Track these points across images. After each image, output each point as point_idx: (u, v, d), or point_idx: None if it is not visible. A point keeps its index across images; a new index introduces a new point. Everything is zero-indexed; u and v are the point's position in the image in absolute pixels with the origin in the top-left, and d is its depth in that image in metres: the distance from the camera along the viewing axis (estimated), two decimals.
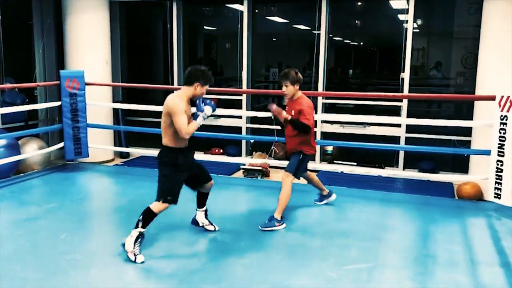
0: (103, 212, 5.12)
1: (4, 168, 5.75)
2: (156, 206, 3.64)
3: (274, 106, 4.35)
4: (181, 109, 3.51)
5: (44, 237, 4.08)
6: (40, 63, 7.56)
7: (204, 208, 4.19)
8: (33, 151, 6.41)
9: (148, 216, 3.64)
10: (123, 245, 3.64)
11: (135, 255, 3.56)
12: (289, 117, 4.30)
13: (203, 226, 4.21)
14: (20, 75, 7.25)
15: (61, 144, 6.53)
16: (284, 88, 4.38)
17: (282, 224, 4.40)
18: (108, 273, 3.50)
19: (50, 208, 4.91)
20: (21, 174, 6.18)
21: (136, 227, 3.61)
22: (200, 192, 4.09)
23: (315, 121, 6.84)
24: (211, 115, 3.81)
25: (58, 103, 6.48)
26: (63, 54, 7.12)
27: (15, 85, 6.66)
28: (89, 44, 6.93)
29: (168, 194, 3.62)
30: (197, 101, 3.68)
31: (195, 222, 4.22)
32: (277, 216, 4.39)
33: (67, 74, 6.38)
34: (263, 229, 4.33)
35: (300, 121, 4.27)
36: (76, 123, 6.38)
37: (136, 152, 7.51)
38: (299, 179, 4.65)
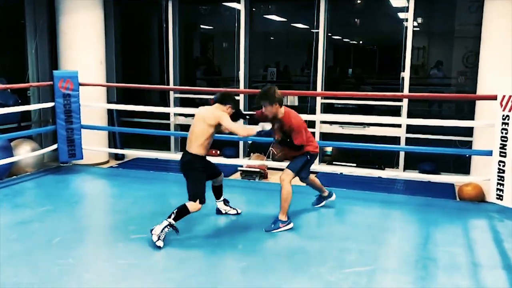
0: (97, 216, 5.11)
1: None
2: (192, 206, 4.01)
3: (274, 150, 4.85)
4: (228, 117, 4.09)
5: (37, 241, 4.07)
6: (33, 63, 7.54)
7: (222, 198, 4.70)
8: (26, 153, 6.39)
9: (182, 212, 3.98)
10: (152, 230, 3.90)
11: (158, 238, 3.85)
12: (279, 139, 4.45)
13: (226, 213, 4.72)
14: (13, 76, 7.22)
15: (54, 146, 6.52)
16: (263, 109, 4.29)
17: (288, 224, 4.42)
18: (102, 278, 3.49)
19: (43, 211, 4.90)
20: (14, 177, 6.16)
21: (169, 217, 3.93)
22: (214, 186, 4.59)
23: (313, 122, 6.88)
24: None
25: (51, 104, 6.46)
26: (57, 54, 7.10)
27: (7, 85, 6.64)
28: (83, 44, 6.92)
29: (202, 196, 4.06)
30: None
31: (218, 211, 4.72)
32: (281, 217, 4.41)
33: (60, 74, 6.37)
34: (269, 231, 4.35)
35: (291, 142, 4.36)
36: (70, 124, 6.37)
37: (132, 154, 7.50)
38: (302, 180, 4.73)
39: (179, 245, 3.98)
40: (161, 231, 3.86)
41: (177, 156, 7.49)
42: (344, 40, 12.34)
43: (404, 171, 6.73)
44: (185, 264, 3.68)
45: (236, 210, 4.74)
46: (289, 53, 10.84)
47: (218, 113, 4.09)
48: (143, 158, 7.47)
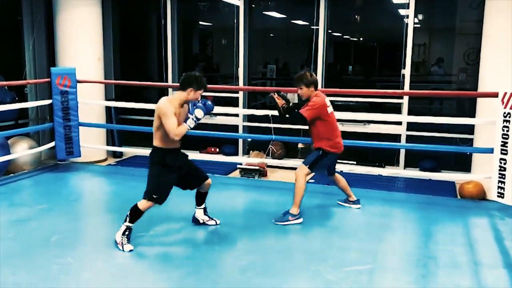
0: (96, 214, 5.10)
1: None
2: (142, 204, 3.86)
3: (275, 95, 4.54)
4: (170, 111, 3.71)
5: (35, 240, 4.06)
6: (30, 60, 7.52)
7: (202, 206, 4.34)
8: (23, 150, 6.38)
9: (134, 212, 3.87)
10: (114, 240, 3.89)
11: (122, 244, 3.82)
12: (285, 106, 4.45)
13: (204, 223, 4.35)
14: (10, 73, 7.21)
15: (52, 144, 6.51)
16: (299, 91, 4.51)
17: (297, 218, 4.46)
18: (101, 278, 3.48)
19: (41, 209, 4.89)
20: (11, 175, 6.15)
21: (125, 221, 3.87)
22: (198, 191, 4.25)
23: None
24: (210, 113, 3.88)
25: (49, 101, 6.45)
26: (54, 51, 7.08)
27: (5, 82, 6.63)
28: (81, 40, 6.90)
29: (154, 193, 3.84)
30: (189, 105, 3.81)
31: (195, 220, 4.37)
32: (293, 210, 4.46)
33: (58, 71, 6.35)
34: (277, 223, 4.42)
35: (296, 111, 4.41)
36: (67, 121, 6.36)
37: (130, 151, 7.49)
38: (319, 174, 4.80)
39: (178, 244, 3.98)
40: (122, 238, 3.83)
41: None
42: (344, 37, 12.34)
43: (404, 169, 6.73)
44: (184, 263, 3.67)
45: (215, 221, 4.38)
46: (288, 50, 10.84)
47: (159, 105, 3.74)
48: (141, 155, 7.45)
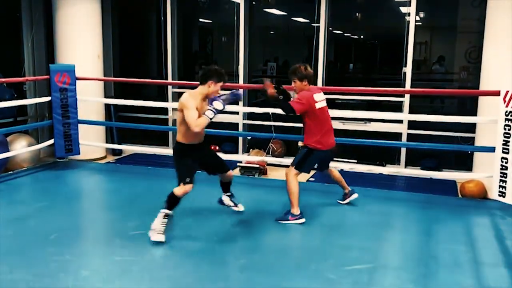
0: (94, 212, 5.10)
1: None
2: (178, 190, 3.93)
3: (267, 82, 4.53)
4: (191, 104, 3.82)
5: (34, 238, 4.06)
6: (29, 57, 7.50)
7: (228, 193, 4.58)
8: (22, 148, 6.37)
9: (171, 199, 3.93)
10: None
11: (157, 233, 3.86)
12: (276, 96, 4.43)
13: (229, 206, 4.60)
14: (9, 70, 7.19)
15: (51, 141, 6.50)
16: (292, 84, 4.54)
17: (298, 219, 4.48)
18: (99, 275, 3.49)
19: (40, 207, 4.89)
20: (10, 172, 6.15)
21: (163, 208, 3.91)
22: (221, 181, 4.49)
23: None
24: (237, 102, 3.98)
25: (48, 99, 6.44)
26: (53, 48, 7.07)
27: (3, 79, 6.61)
28: (80, 37, 6.88)
29: (185, 177, 3.94)
30: (213, 97, 3.92)
31: (221, 201, 4.60)
32: (293, 210, 4.49)
33: (57, 68, 6.35)
34: (278, 221, 4.47)
35: (286, 102, 4.41)
36: (66, 119, 6.35)
37: (129, 149, 7.48)
38: (308, 172, 4.79)
39: (178, 242, 3.97)
40: (159, 225, 3.88)
41: None
42: (345, 34, 12.32)
43: (405, 167, 6.73)
44: (183, 261, 3.68)
45: (238, 207, 4.63)
46: (289, 47, 10.82)
47: (182, 99, 3.88)
48: (140, 153, 7.45)
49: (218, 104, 3.84)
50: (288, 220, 4.46)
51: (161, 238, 3.86)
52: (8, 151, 6.09)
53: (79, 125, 6.47)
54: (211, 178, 4.43)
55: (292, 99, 4.55)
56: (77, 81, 6.39)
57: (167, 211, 3.91)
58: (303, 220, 4.49)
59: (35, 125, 7.41)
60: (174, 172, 4.03)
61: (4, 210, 4.75)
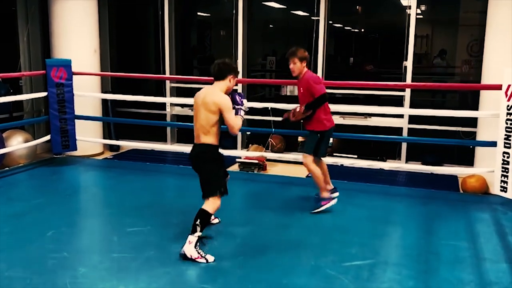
0: (92, 208, 5.11)
1: None
2: (210, 205, 3.66)
3: (287, 114, 4.73)
4: (230, 105, 3.67)
5: (31, 234, 4.07)
6: (25, 51, 7.49)
7: None
8: (18, 144, 6.36)
9: (205, 218, 3.65)
10: (183, 255, 3.60)
11: (204, 257, 3.58)
12: (303, 108, 4.55)
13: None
14: (4, 65, 7.18)
15: (47, 137, 6.50)
16: (291, 65, 4.61)
17: (331, 200, 4.65)
18: (97, 272, 3.49)
19: (36, 204, 4.90)
20: (6, 169, 6.15)
21: (194, 232, 3.59)
22: None
23: None
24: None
25: (44, 94, 6.44)
26: (49, 42, 7.06)
27: None
28: (76, 31, 6.86)
29: (220, 188, 3.73)
30: (233, 95, 3.80)
31: None
32: (323, 195, 4.66)
33: (53, 63, 6.34)
34: (315, 212, 4.61)
35: (314, 100, 4.51)
36: (63, 114, 6.35)
37: (127, 145, 7.48)
38: (325, 155, 4.86)
39: (175, 240, 3.98)
40: (198, 252, 3.58)
41: (173, 147, 7.51)
42: (346, 28, 12.31)
43: (406, 162, 6.73)
44: (180, 259, 3.67)
45: (218, 219, 4.33)
46: (288, 41, 10.80)
47: (218, 99, 3.65)
48: (138, 149, 7.46)
49: (246, 103, 3.83)
50: (322, 206, 4.62)
51: (211, 257, 3.60)
52: (4, 147, 6.09)
53: (76, 120, 6.47)
54: None
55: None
56: (74, 76, 6.38)
57: (199, 234, 3.60)
58: (336, 194, 4.69)
59: (32, 121, 7.41)
60: (201, 180, 3.72)
61: (1, 206, 4.76)
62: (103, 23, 7.57)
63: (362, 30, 12.85)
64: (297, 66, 4.58)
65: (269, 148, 7.00)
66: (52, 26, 6.90)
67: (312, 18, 7.17)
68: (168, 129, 7.84)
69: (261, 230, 4.29)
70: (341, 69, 10.97)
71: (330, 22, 7.34)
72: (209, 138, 3.70)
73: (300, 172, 6.06)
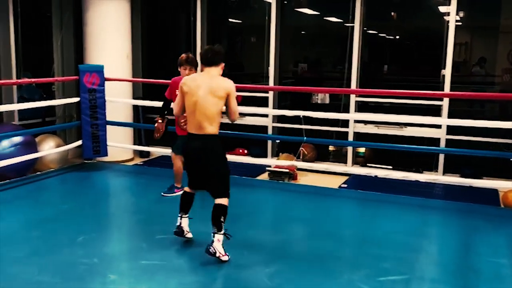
0: (122, 214, 5.18)
1: (20, 166, 5.87)
2: (225, 200, 3.65)
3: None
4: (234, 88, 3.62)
5: (61, 240, 4.14)
6: (59, 57, 7.68)
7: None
8: (50, 149, 6.51)
9: (225, 212, 3.64)
10: (211, 253, 3.59)
11: (227, 254, 3.63)
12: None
13: (184, 236, 3.97)
14: (38, 70, 7.38)
15: (79, 142, 6.63)
16: (188, 71, 4.82)
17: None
18: (126, 279, 3.53)
19: (67, 209, 4.99)
20: (38, 173, 6.30)
21: (220, 229, 3.60)
22: (194, 193, 3.97)
23: (347, 121, 6.80)
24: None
25: (76, 99, 6.58)
26: (82, 48, 7.22)
27: (33, 80, 6.79)
28: (109, 37, 7.01)
29: (229, 188, 3.68)
30: None
31: (180, 232, 3.96)
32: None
33: (86, 68, 6.48)
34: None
35: None
36: (94, 120, 6.47)
37: (157, 151, 7.56)
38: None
39: (205, 248, 3.99)
40: (223, 248, 3.62)
41: None
42: (380, 35, 12.18)
43: (443, 174, 6.59)
44: (210, 267, 3.68)
45: (190, 233, 4.02)
46: (320, 48, 10.76)
47: (227, 84, 3.59)
48: (168, 156, 7.50)
49: None
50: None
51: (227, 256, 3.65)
52: (36, 151, 6.24)
53: (107, 126, 6.58)
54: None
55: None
56: (106, 82, 6.50)
57: (223, 230, 3.61)
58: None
59: (64, 126, 7.58)
60: (216, 175, 3.65)
61: (31, 211, 4.88)
62: (135, 29, 7.71)
63: (397, 37, 12.70)
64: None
65: (300, 157, 6.97)
66: (86, 32, 7.07)
67: (346, 24, 7.14)
68: None
69: (291, 240, 4.26)
70: (376, 77, 10.85)
71: (364, 28, 7.29)
72: (215, 128, 3.57)
73: (331, 182, 6.02)
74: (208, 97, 3.54)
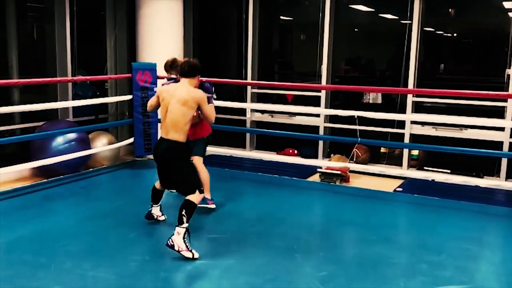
0: (171, 212, 5.25)
1: (74, 162, 6.08)
2: (195, 198, 3.91)
3: None
4: (206, 98, 4.12)
5: (113, 236, 4.27)
6: (112, 55, 7.89)
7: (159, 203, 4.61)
8: (103, 146, 6.71)
9: (191, 209, 3.87)
10: (169, 245, 3.78)
11: (191, 251, 3.75)
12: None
13: (157, 218, 4.59)
14: (92, 67, 7.62)
15: (131, 140, 6.80)
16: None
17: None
18: (177, 277, 3.59)
19: (118, 205, 5.14)
20: (90, 169, 6.51)
21: (181, 223, 3.79)
22: (161, 191, 4.52)
23: (403, 122, 6.65)
24: None
25: (129, 97, 6.75)
26: (135, 46, 7.40)
27: (88, 77, 7.01)
28: (162, 35, 7.15)
29: (200, 185, 4.06)
30: (205, 85, 4.61)
31: (150, 216, 4.56)
32: None
33: (139, 66, 6.64)
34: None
35: None
36: (147, 118, 6.62)
37: (207, 150, 7.65)
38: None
39: (257, 249, 4.01)
40: (186, 243, 3.74)
41: (252, 154, 7.59)
42: (437, 32, 11.85)
43: (506, 180, 6.34)
44: (262, 269, 3.69)
45: (164, 216, 4.63)
46: (374, 46, 10.58)
47: (198, 95, 4.04)
48: (217, 155, 7.60)
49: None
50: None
51: (196, 254, 3.75)
52: (90, 148, 6.44)
53: (159, 124, 6.71)
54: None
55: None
56: (158, 80, 6.64)
57: (186, 225, 3.77)
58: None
59: (116, 123, 7.78)
60: (178, 176, 4.01)
61: (84, 207, 5.05)
62: (187, 27, 7.84)
63: (455, 34, 12.31)
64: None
65: (354, 159, 6.87)
66: (139, 30, 7.24)
67: (402, 21, 6.99)
68: (248, 135, 7.93)
69: (343, 244, 4.22)
70: (431, 76, 10.57)
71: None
72: (180, 135, 3.98)
73: (385, 185, 5.91)
74: (178, 107, 3.96)
